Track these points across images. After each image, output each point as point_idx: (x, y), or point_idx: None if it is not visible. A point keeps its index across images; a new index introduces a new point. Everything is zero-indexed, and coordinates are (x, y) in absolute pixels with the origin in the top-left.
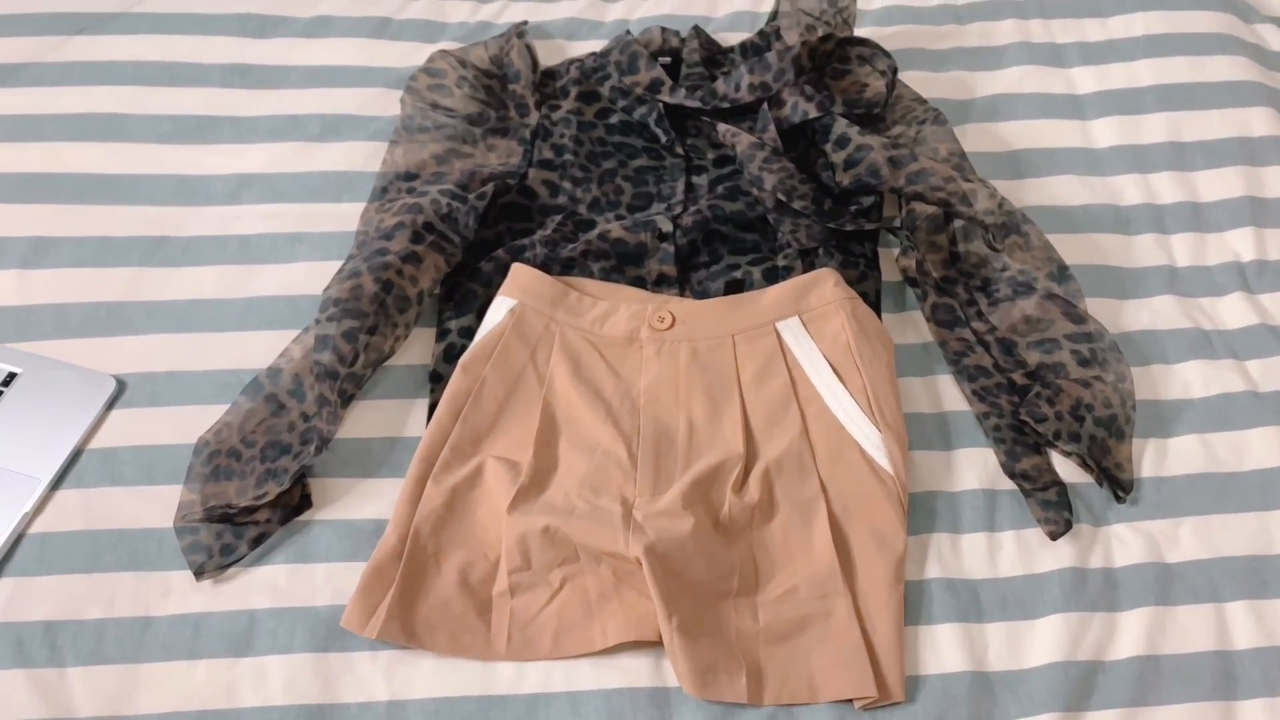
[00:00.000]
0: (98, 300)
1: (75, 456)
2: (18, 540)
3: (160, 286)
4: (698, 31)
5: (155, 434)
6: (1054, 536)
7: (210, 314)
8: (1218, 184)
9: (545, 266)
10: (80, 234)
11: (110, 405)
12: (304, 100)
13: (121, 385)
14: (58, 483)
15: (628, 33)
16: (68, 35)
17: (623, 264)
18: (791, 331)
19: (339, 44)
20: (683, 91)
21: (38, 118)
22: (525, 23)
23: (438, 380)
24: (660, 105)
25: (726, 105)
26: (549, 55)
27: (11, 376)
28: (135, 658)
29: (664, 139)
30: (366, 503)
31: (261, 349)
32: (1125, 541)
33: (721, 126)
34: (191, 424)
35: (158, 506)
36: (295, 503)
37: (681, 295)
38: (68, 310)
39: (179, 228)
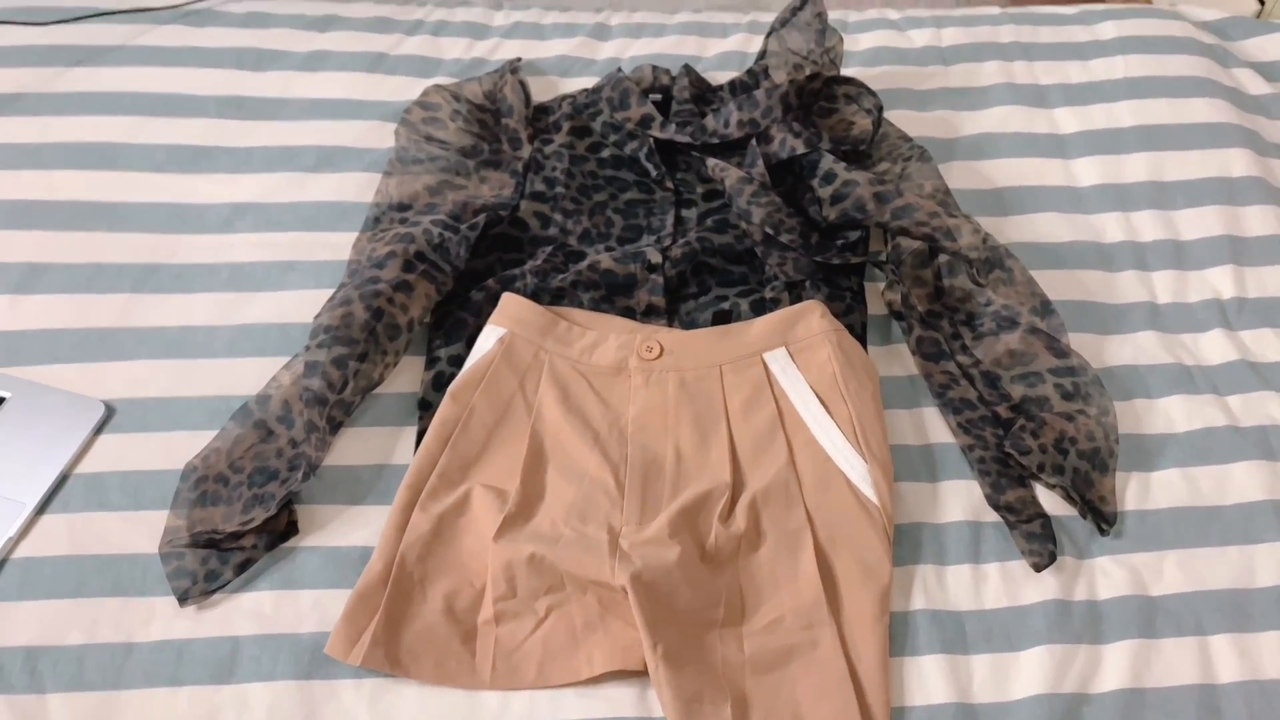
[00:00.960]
0: (90, 326)
1: (62, 481)
2: (1, 565)
3: (152, 313)
4: (688, 70)
5: (143, 459)
6: (1038, 568)
7: (201, 340)
8: (1198, 223)
9: (535, 296)
10: (74, 260)
11: (98, 430)
12: (299, 132)
13: (110, 410)
14: (43, 507)
15: (619, 70)
16: (67, 66)
17: (612, 294)
18: (778, 362)
19: (335, 77)
20: (673, 127)
21: (35, 146)
22: (519, 59)
23: (426, 408)
24: (651, 140)
25: (715, 141)
26: (542, 91)
27: (0, 401)
28: (116, 684)
29: (654, 173)
30: (353, 530)
31: (252, 376)
32: (1109, 574)
33: (711, 161)
34: (180, 449)
35: (144, 532)
36: (282, 529)
37: (670, 326)
38: (59, 335)
39: (172, 255)
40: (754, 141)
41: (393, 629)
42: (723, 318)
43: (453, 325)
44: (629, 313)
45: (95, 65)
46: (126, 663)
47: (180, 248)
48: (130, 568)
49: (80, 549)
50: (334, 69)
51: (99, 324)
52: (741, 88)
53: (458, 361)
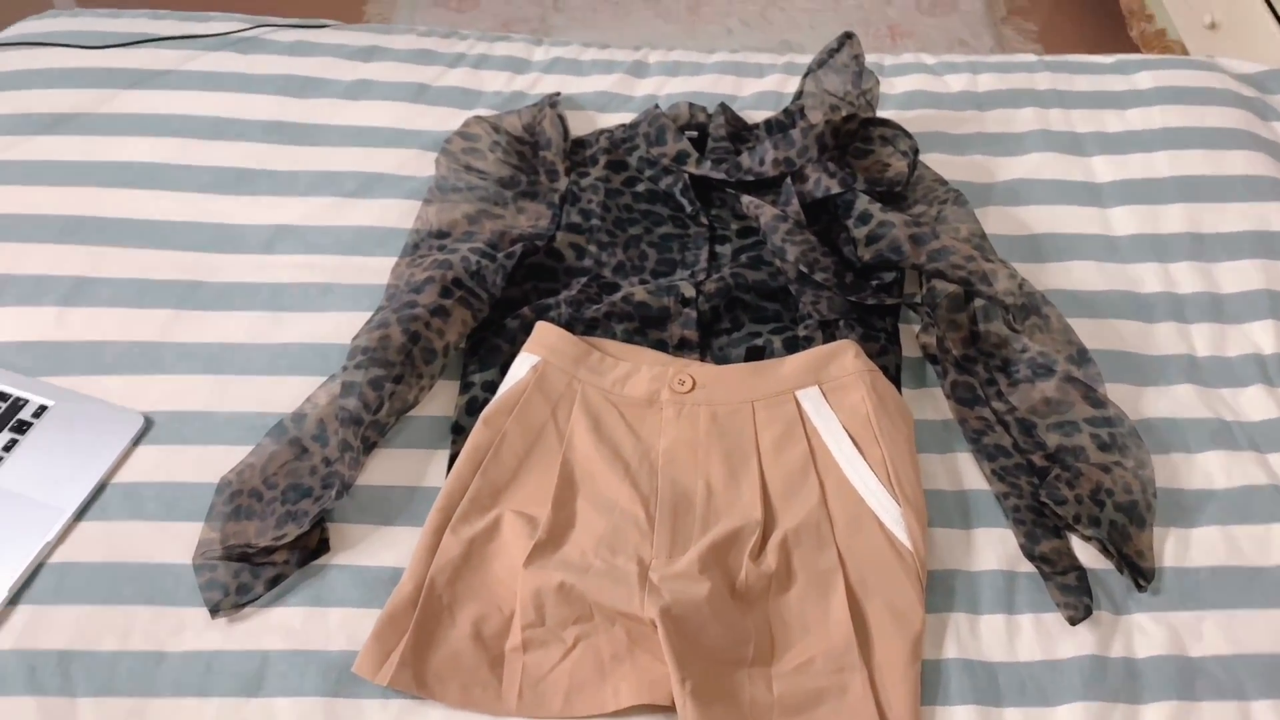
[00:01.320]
0: (133, 339)
1: (100, 490)
2: (38, 569)
3: (193, 329)
4: (724, 108)
5: (180, 471)
6: (1073, 622)
7: (240, 358)
8: (1237, 276)
9: (569, 326)
10: (120, 275)
11: (137, 441)
12: (342, 158)
13: (149, 422)
14: (81, 514)
15: (656, 107)
16: (120, 89)
17: (645, 327)
18: (811, 401)
19: (378, 106)
20: (708, 164)
21: (88, 164)
22: (558, 94)
23: (459, 432)
24: (686, 176)
25: (750, 178)
26: (580, 125)
27: (42, 409)
28: (147, 692)
29: (689, 208)
30: (384, 550)
31: (288, 394)
32: (1147, 632)
33: (745, 198)
34: (216, 463)
35: (178, 542)
36: (313, 546)
37: (702, 360)
38: (103, 348)
39: (214, 274)
40: (789, 180)
41: (420, 651)
42: (755, 354)
43: (487, 351)
44: (661, 345)
45: (146, 89)
46: (157, 671)
47: (222, 267)
48: (163, 577)
49: (116, 556)
50: (377, 98)
51: (142, 338)
52: (777, 126)
53: (491, 387)
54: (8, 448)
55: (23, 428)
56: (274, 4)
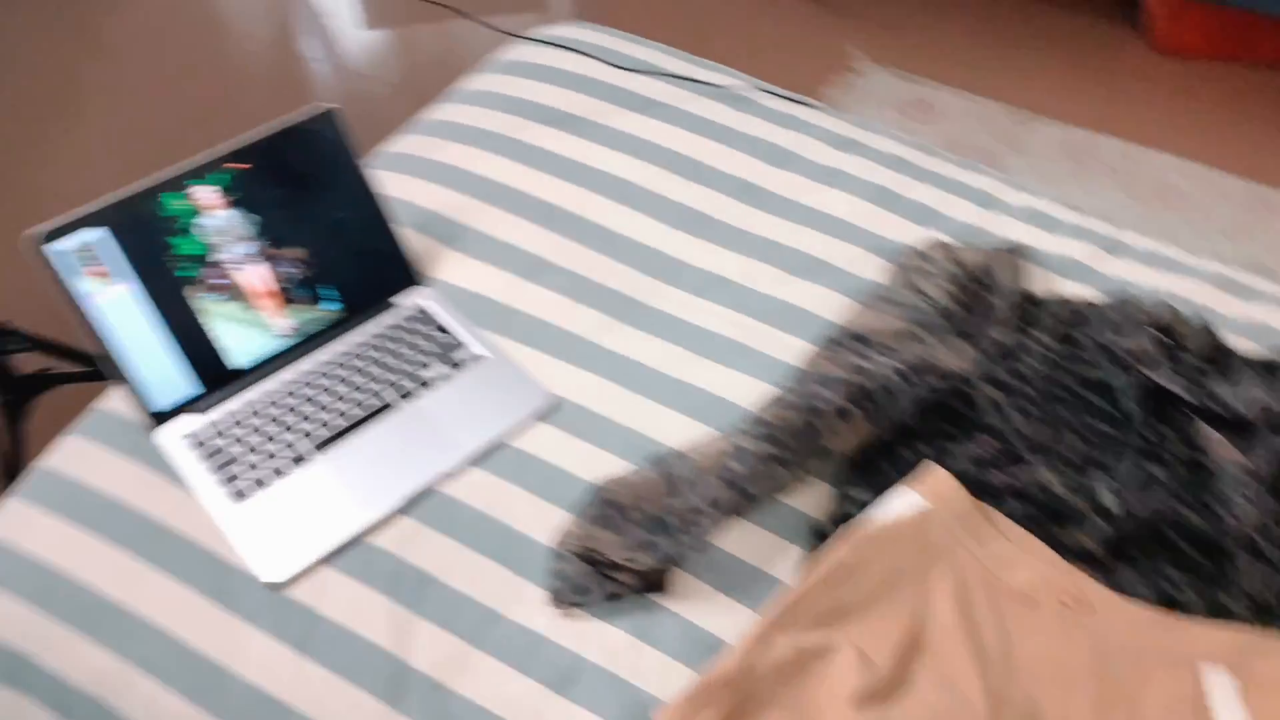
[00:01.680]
0: (565, 328)
1: (497, 445)
2: (428, 492)
3: (618, 339)
4: (1208, 327)
5: (566, 458)
6: None
7: (650, 381)
8: None
9: (963, 481)
10: (572, 269)
11: (541, 417)
12: (793, 234)
13: (556, 404)
14: (475, 460)
15: (1130, 294)
16: (622, 108)
17: (1046, 519)
18: (1223, 690)
19: (841, 198)
20: (1183, 382)
21: (576, 164)
22: (1023, 245)
23: (821, 538)
24: (1142, 379)
25: (1218, 410)
26: (1037, 285)
27: (476, 357)
28: (477, 642)
29: (1136, 414)
30: (715, 616)
31: (680, 430)
32: None
33: (1207, 430)
34: (597, 464)
35: (541, 520)
36: (654, 580)
37: (1099, 581)
38: (540, 325)
39: (650, 297)
40: (1269, 432)
41: None
42: (1167, 604)
43: (871, 472)
44: (1056, 545)
45: (644, 114)
46: (491, 627)
47: (658, 293)
48: (520, 545)
49: (488, 508)
50: (843, 189)
51: (573, 329)
52: (1265, 367)
53: (864, 507)
54: (442, 378)
55: (456, 366)
56: (755, 64)
